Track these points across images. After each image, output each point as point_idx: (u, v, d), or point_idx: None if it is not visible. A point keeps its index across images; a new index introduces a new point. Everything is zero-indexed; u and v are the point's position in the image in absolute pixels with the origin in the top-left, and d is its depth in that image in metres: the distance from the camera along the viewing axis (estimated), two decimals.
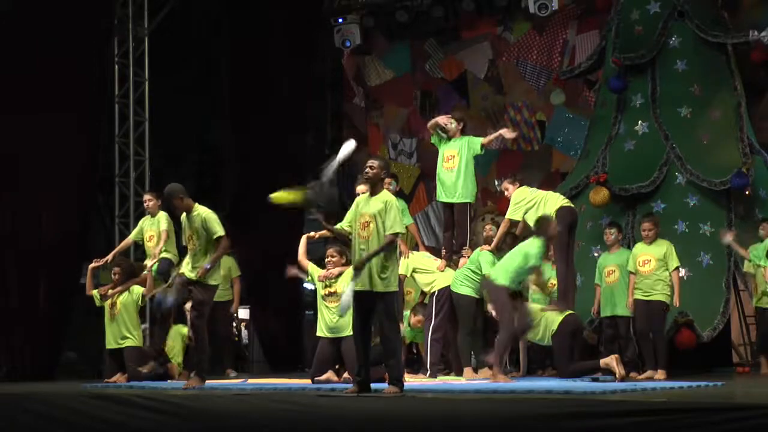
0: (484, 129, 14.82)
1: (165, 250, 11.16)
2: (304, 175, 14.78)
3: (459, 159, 10.64)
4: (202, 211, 9.28)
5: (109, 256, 11.17)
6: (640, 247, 10.38)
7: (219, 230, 9.22)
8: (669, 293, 10.21)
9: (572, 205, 10.45)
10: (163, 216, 11.26)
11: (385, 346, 8.17)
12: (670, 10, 12.28)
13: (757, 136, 12.23)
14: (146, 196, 11.47)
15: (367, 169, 8.25)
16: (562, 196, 10.58)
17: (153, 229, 11.24)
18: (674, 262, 10.25)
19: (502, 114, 14.86)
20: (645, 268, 10.21)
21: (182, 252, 11.80)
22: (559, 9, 13.85)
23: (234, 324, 13.23)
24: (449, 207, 11.00)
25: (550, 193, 10.58)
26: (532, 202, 10.30)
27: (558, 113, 14.45)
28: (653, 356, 10.13)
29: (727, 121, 12.06)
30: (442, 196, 10.89)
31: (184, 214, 9.35)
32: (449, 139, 10.73)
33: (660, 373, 9.98)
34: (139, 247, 12.76)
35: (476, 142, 10.64)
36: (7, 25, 11.67)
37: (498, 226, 10.83)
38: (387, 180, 10.34)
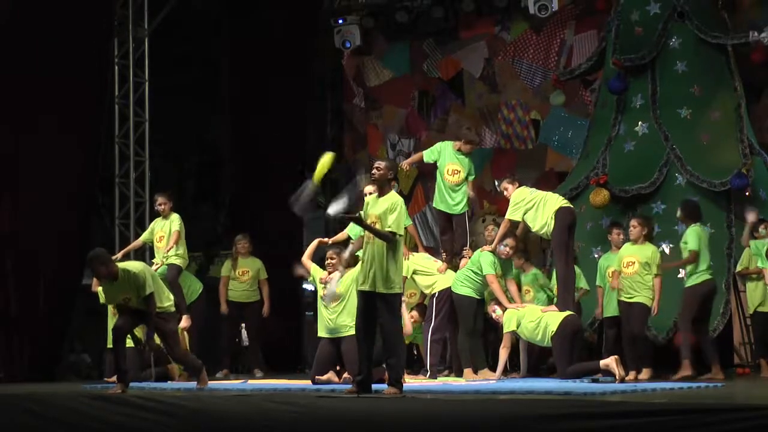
0: (478, 128, 14.86)
1: (177, 255, 11.17)
2: (304, 175, 14.88)
3: (462, 175, 10.84)
4: (131, 269, 9.15)
5: (120, 254, 11.20)
6: (626, 248, 10.41)
7: (144, 290, 9.08)
8: (651, 296, 10.25)
9: (571, 206, 10.44)
10: (176, 217, 11.29)
11: (387, 347, 8.19)
12: (670, 11, 12.27)
13: (757, 137, 12.23)
14: (159, 200, 11.47)
15: (374, 171, 8.32)
16: (561, 197, 10.57)
17: (164, 229, 11.28)
18: (656, 268, 10.28)
19: (497, 113, 14.85)
20: (628, 270, 10.26)
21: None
22: (559, 9, 13.83)
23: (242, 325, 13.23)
24: (445, 213, 11.05)
25: (550, 193, 10.58)
26: (531, 202, 10.30)
27: (553, 112, 14.43)
28: (637, 358, 10.18)
29: (727, 121, 12.05)
30: (441, 205, 10.96)
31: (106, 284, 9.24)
32: (464, 154, 10.84)
33: (645, 373, 10.03)
34: (137, 249, 12.76)
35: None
36: (8, 26, 11.67)
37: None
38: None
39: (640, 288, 10.21)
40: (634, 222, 10.47)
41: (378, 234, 8.10)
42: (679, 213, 10.68)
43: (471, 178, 11.00)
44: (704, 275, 10.30)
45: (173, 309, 9.54)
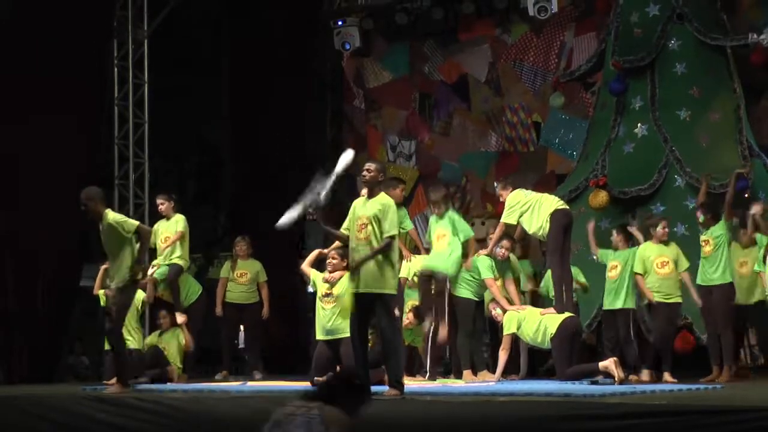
0: (485, 132, 14.86)
1: (178, 256, 11.13)
2: (304, 175, 14.85)
3: (449, 237, 10.17)
4: (110, 217, 9.30)
5: None
6: (655, 248, 10.32)
7: (131, 225, 9.26)
8: (681, 294, 10.27)
9: (567, 207, 10.38)
10: (181, 218, 11.26)
11: (385, 348, 8.18)
12: (669, 13, 12.27)
13: (756, 139, 12.23)
14: (159, 200, 11.47)
15: (365, 172, 8.30)
16: (557, 198, 10.51)
17: (169, 230, 11.24)
18: (685, 263, 10.33)
19: (501, 116, 14.85)
20: (664, 270, 10.20)
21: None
22: (558, 11, 13.82)
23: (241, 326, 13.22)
24: None
25: (545, 195, 10.52)
26: (526, 205, 10.25)
27: (553, 114, 14.43)
28: (662, 357, 10.17)
29: (726, 123, 12.06)
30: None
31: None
32: (440, 216, 10.32)
33: (667, 375, 10.03)
34: None
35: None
36: (8, 27, 11.67)
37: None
38: (401, 187, 10.41)
39: (676, 287, 10.23)
40: (664, 223, 10.45)
41: (377, 253, 8.04)
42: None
43: (462, 238, 10.21)
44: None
45: (132, 280, 9.37)
